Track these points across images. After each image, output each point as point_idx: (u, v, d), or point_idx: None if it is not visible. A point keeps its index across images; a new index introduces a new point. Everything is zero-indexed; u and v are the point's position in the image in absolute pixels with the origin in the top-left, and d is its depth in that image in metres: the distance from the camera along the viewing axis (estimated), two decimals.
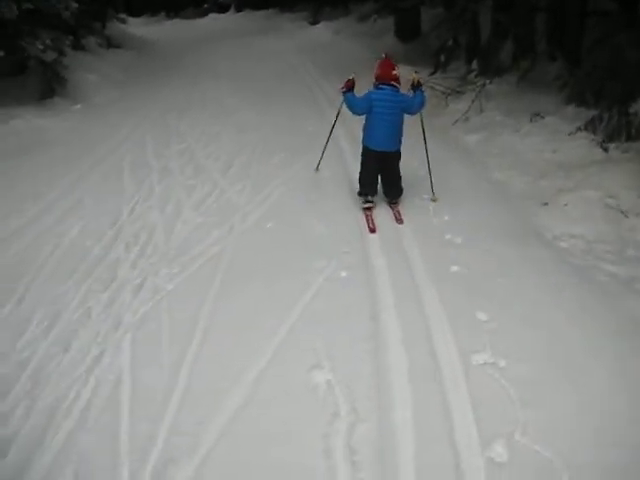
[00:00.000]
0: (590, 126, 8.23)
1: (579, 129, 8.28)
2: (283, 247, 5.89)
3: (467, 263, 5.33)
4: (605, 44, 10.73)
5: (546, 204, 6.78)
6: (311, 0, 25.85)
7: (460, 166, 8.06)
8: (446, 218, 6.37)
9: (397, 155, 6.58)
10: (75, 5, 13.48)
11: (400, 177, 6.68)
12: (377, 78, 6.43)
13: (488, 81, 10.67)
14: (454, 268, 5.27)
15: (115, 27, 22.85)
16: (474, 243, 5.74)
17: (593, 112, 8.66)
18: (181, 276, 5.38)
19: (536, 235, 6.11)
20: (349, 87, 6.50)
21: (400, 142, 6.56)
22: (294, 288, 5.04)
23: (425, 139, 7.01)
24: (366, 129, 6.57)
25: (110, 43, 19.06)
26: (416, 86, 6.61)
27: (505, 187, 7.35)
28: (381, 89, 6.36)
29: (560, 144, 8.13)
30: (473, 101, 10.15)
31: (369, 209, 6.56)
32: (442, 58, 12.70)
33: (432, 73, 12.76)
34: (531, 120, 8.95)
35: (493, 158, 8.26)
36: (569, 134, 8.28)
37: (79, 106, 12.94)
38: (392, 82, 6.35)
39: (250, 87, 13.88)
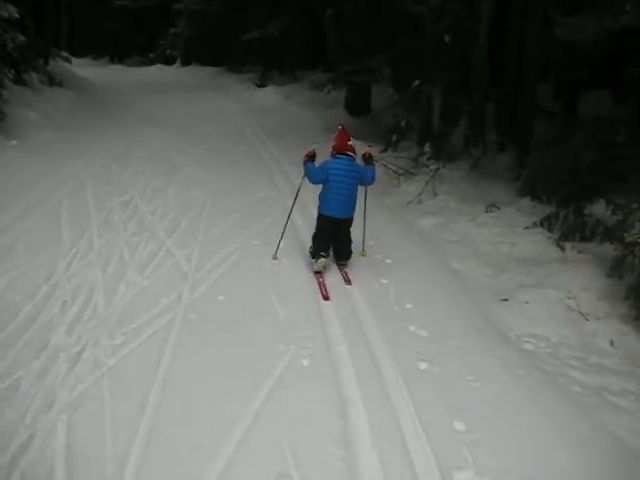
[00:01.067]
0: (546, 222, 8.17)
1: (535, 224, 8.21)
2: (238, 325, 5.41)
3: (436, 361, 4.97)
4: (557, 141, 10.96)
5: (506, 300, 6.56)
6: (259, 63, 25.85)
7: (417, 250, 7.82)
8: (408, 306, 6.04)
9: (350, 221, 6.85)
10: (22, 38, 12.84)
11: (351, 241, 6.92)
12: (334, 148, 6.75)
13: (441, 165, 10.60)
14: (423, 365, 4.90)
15: (58, 65, 22.14)
16: (439, 338, 5.40)
17: (547, 207, 8.66)
18: (125, 349, 4.81)
19: (499, 333, 5.85)
20: (309, 157, 6.79)
21: (354, 209, 6.80)
22: (254, 376, 4.55)
23: (365, 205, 7.18)
24: (322, 196, 6.77)
25: (53, 81, 18.31)
26: (368, 159, 7.00)
27: (465, 278, 7.11)
28: (338, 158, 6.66)
29: (517, 238, 8.01)
30: (427, 183, 10.03)
31: (320, 273, 6.64)
32: (394, 137, 12.65)
33: (383, 150, 12.67)
34: (487, 210, 8.85)
35: (451, 245, 8.06)
36: (525, 228, 8.19)
37: (15, 142, 12.16)
38: (348, 152, 6.66)
39: (196, 145, 13.41)
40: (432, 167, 10.76)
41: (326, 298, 6.10)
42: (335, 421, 4.08)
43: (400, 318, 5.77)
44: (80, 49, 39.84)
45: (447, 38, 10.88)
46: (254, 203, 9.18)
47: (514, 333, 5.93)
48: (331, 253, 6.87)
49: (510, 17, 11.27)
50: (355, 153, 6.76)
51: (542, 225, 8.17)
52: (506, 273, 7.20)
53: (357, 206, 6.89)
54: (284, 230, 7.20)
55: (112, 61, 37.30)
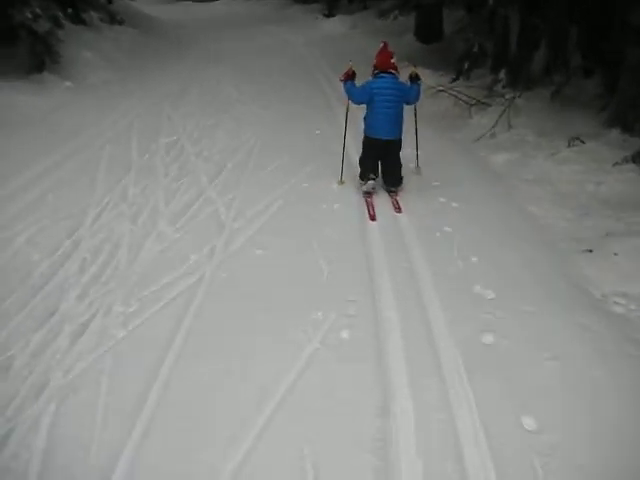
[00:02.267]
0: (639, 158, 7.01)
1: (626, 160, 7.05)
2: (273, 286, 4.65)
3: (503, 332, 4.07)
4: None
5: (591, 251, 5.53)
6: None
7: (487, 191, 6.82)
8: (474, 260, 5.12)
9: (398, 143, 6.45)
10: None
11: (401, 166, 6.56)
12: (376, 67, 6.41)
13: (517, 94, 9.41)
14: (487, 338, 4.01)
15: (122, 2, 21.51)
16: (509, 302, 4.48)
17: None
18: (138, 318, 4.13)
19: (582, 292, 4.86)
20: (349, 76, 6.48)
21: (401, 130, 6.43)
22: (279, 356, 3.79)
23: (416, 126, 7.05)
24: (367, 118, 6.48)
25: (114, 19, 17.66)
26: (414, 78, 6.61)
27: (541, 224, 6.09)
28: (381, 77, 6.32)
29: (604, 176, 6.89)
30: (501, 115, 8.88)
31: (369, 194, 6.44)
32: (466, 65, 11.45)
33: (454, 80, 11.52)
34: (569, 144, 7.68)
35: (526, 185, 7.00)
36: (614, 164, 7.05)
37: (70, 84, 11.64)
38: (391, 70, 6.33)
39: (255, 80, 12.60)
40: (507, 96, 9.59)
41: (373, 218, 5.95)
42: (373, 419, 3.30)
43: (463, 275, 4.87)
44: None
45: None
46: (309, 141, 8.33)
47: (600, 292, 4.92)
48: (381, 181, 6.63)
49: None
50: (398, 72, 6.43)
51: (634, 161, 7.02)
52: (590, 218, 6.15)
53: (406, 127, 6.52)
54: (343, 156, 6.92)
55: None
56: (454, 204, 6.30)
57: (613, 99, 8.83)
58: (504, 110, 8.97)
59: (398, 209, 6.17)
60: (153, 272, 4.77)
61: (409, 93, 6.44)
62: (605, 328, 4.26)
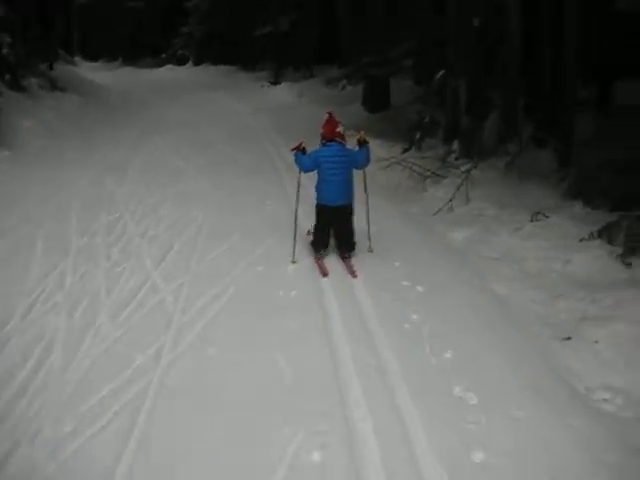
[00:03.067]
0: (605, 233, 6.77)
1: (592, 236, 6.79)
2: (229, 395, 4.08)
3: (494, 446, 3.59)
4: (599, 134, 9.55)
5: (569, 338, 5.17)
6: (272, 60, 24.57)
7: (452, 272, 6.43)
8: (448, 355, 4.67)
9: (349, 209, 6.53)
10: (8, 40, 11.63)
11: (353, 231, 6.59)
12: (323, 136, 6.54)
13: (472, 165, 9.20)
14: (477, 455, 3.51)
15: (64, 68, 21.04)
16: (494, 406, 4.01)
17: (603, 213, 7.29)
18: (71, 445, 3.49)
19: (567, 387, 4.45)
20: (299, 148, 6.60)
21: (351, 196, 6.55)
22: None
23: (366, 190, 6.88)
24: (317, 186, 6.57)
25: (55, 85, 17.12)
26: (362, 143, 6.65)
27: (513, 308, 5.69)
28: (328, 146, 6.46)
29: (572, 253, 6.59)
30: (458, 187, 8.61)
31: (321, 258, 6.50)
32: (417, 135, 11.29)
33: (406, 150, 11.34)
34: (532, 219, 7.40)
35: (492, 264, 6.64)
36: (580, 240, 6.78)
37: (7, 153, 11.06)
38: (337, 139, 6.44)
39: (202, 151, 12.11)
40: (462, 168, 9.37)
41: (325, 275, 6.10)
42: None
43: (439, 374, 4.40)
44: (93, 52, 38.96)
45: (476, 21, 9.45)
46: (260, 217, 7.88)
47: (584, 385, 4.53)
48: (333, 244, 6.65)
49: None
50: (345, 140, 6.55)
51: (600, 236, 6.76)
52: (563, 300, 5.80)
53: (359, 197, 6.68)
54: (295, 231, 6.64)
55: (124, 63, 36.13)
56: (419, 288, 5.88)
57: (570, 171, 8.70)
58: (461, 182, 8.71)
59: (353, 274, 6.16)
60: (91, 380, 4.16)
61: (357, 157, 6.56)
62: (598, 433, 3.84)
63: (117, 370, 4.28)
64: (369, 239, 6.83)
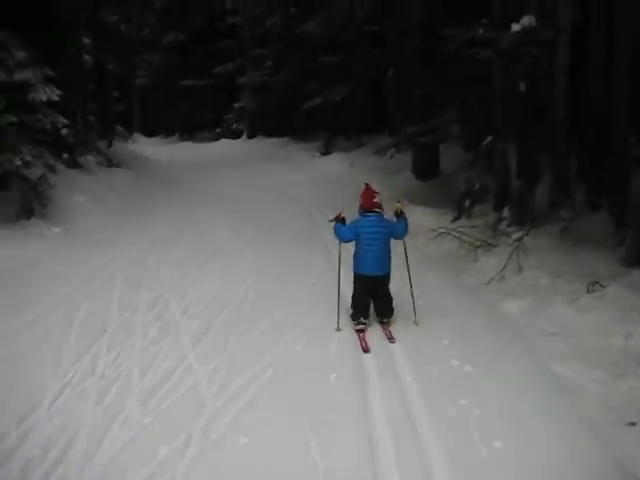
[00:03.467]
0: None
1: None
2: None
3: None
4: None
5: (634, 424, 4.69)
6: (323, 130, 24.75)
7: (504, 349, 6.02)
8: (498, 445, 4.24)
9: (386, 278, 6.60)
10: (64, 121, 11.91)
11: (391, 298, 6.61)
12: (361, 207, 6.65)
13: (524, 233, 8.80)
14: None
15: (121, 146, 21.62)
16: None
17: None
18: None
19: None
20: (338, 218, 6.77)
21: (389, 266, 6.57)
22: None
23: (407, 261, 6.88)
24: (356, 256, 6.63)
25: (111, 162, 17.53)
26: (400, 215, 6.75)
27: (571, 388, 5.24)
28: (366, 217, 6.56)
29: (633, 326, 6.11)
30: (510, 257, 8.21)
31: (362, 330, 6.39)
32: (467, 203, 10.96)
33: (456, 218, 11.01)
34: (588, 290, 6.93)
35: (547, 339, 6.20)
36: None
37: (58, 230, 11.12)
38: (376, 209, 6.53)
39: (249, 225, 11.94)
40: (514, 236, 8.98)
41: (366, 350, 5.95)
42: None
43: (488, 467, 3.99)
44: (152, 129, 40.17)
45: (523, 86, 9.21)
46: (304, 292, 7.63)
47: None
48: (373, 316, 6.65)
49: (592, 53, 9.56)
50: (382, 209, 6.62)
51: None
52: (625, 379, 5.32)
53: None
54: (338, 300, 6.66)
55: (182, 138, 37.08)
56: (468, 368, 5.50)
57: (627, 236, 8.23)
58: (513, 251, 8.31)
59: (392, 339, 6.18)
60: (112, 475, 3.88)
61: (395, 229, 6.64)
62: None
63: (139, 464, 4.00)
64: (414, 312, 6.65)
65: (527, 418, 4.65)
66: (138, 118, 40.20)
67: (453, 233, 9.59)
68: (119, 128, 26.77)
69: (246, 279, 8.15)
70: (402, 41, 14.91)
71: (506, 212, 9.92)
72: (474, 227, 9.84)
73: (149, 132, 39.69)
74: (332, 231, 6.93)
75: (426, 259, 9.41)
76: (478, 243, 9.26)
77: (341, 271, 6.79)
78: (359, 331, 6.34)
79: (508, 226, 9.74)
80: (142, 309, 7.02)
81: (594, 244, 8.53)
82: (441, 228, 9.81)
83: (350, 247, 6.77)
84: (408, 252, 6.89)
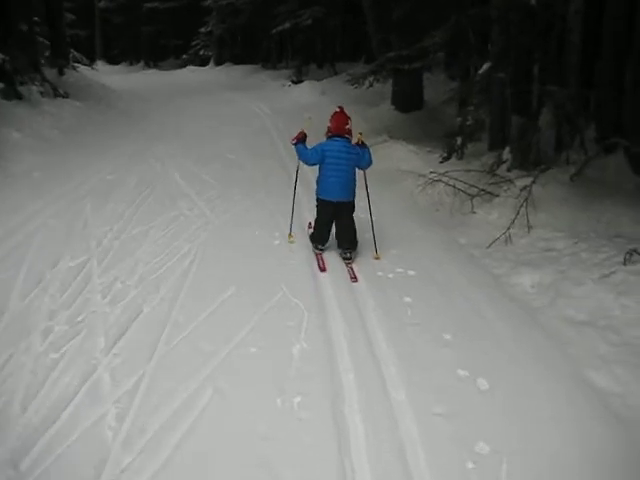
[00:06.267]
0: None
1: None
2: None
3: None
4: None
5: None
6: (295, 57, 22.62)
7: (524, 347, 4.44)
8: None
9: (351, 205, 6.22)
10: None
11: (355, 230, 6.21)
12: (330, 130, 6.19)
13: (532, 180, 7.14)
14: None
15: (74, 74, 19.31)
16: None
17: None
18: None
19: None
20: (299, 139, 6.24)
21: (354, 193, 6.19)
22: None
23: (368, 194, 6.36)
24: (319, 180, 6.24)
25: (57, 92, 15.36)
26: (361, 146, 6.21)
27: (614, 407, 3.71)
28: (334, 140, 6.09)
29: None
30: (519, 211, 6.58)
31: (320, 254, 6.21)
32: (458, 141, 9.21)
33: (445, 159, 9.31)
34: (625, 261, 5.32)
35: (577, 332, 4.61)
36: None
37: None
38: (345, 135, 6.09)
39: (204, 167, 10.05)
40: (518, 183, 7.33)
41: (323, 270, 5.80)
42: None
43: None
44: (117, 56, 37.44)
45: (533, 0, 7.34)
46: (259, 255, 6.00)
47: None
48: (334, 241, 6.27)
49: None
50: (352, 136, 6.16)
51: None
52: None
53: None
54: (292, 216, 6.63)
55: (147, 66, 34.46)
56: (481, 382, 3.91)
57: None
58: (522, 203, 6.67)
59: (354, 278, 5.61)
60: None
61: (363, 156, 6.14)
62: None
63: None
64: (375, 244, 6.18)
65: (563, 455, 3.10)
66: (101, 44, 37.32)
67: (444, 179, 7.88)
68: (77, 54, 24.37)
69: (192, 241, 6.45)
70: None
71: (506, 153, 8.22)
72: (469, 171, 8.14)
73: (113, 60, 36.95)
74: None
75: (412, 210, 7.78)
76: (475, 192, 7.59)
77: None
78: (317, 254, 6.16)
79: (508, 170, 8.08)
80: (53, 287, 5.31)
81: (613, 194, 6.95)
82: (431, 173, 8.07)
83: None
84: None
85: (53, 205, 7.73)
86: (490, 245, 6.38)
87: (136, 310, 4.88)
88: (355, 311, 4.92)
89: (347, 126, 6.11)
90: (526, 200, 6.66)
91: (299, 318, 4.78)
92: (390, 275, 5.65)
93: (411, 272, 5.66)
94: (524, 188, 7.02)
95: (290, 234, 6.57)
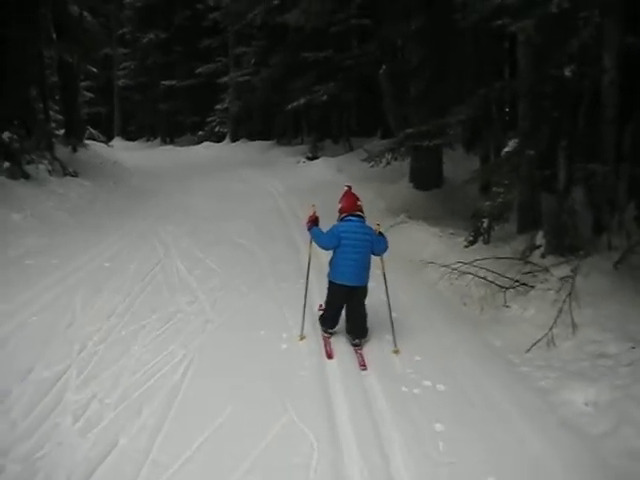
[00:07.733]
0: None
1: None
2: None
3: None
4: None
5: None
6: (310, 132, 22.21)
7: None
8: None
9: (364, 290, 5.80)
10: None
11: (365, 315, 5.80)
12: (342, 210, 5.90)
13: (572, 269, 6.27)
14: None
15: (87, 152, 18.99)
16: None
17: None
18: None
19: None
20: (313, 222, 5.97)
21: (367, 277, 5.78)
22: None
23: (385, 281, 5.95)
24: (334, 264, 5.81)
25: (66, 171, 14.86)
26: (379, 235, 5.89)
27: None
28: (348, 220, 5.76)
29: None
30: (561, 309, 5.68)
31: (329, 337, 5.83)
32: (483, 223, 8.39)
33: (470, 243, 8.44)
34: None
35: None
36: None
37: None
38: (358, 213, 5.80)
39: (217, 254, 9.15)
40: (556, 272, 6.46)
41: (330, 357, 5.46)
42: None
43: None
44: (134, 133, 37.59)
45: (568, 71, 6.63)
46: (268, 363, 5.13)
47: None
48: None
49: None
50: (364, 215, 5.87)
51: None
52: None
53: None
54: (304, 306, 6.05)
55: (164, 142, 34.40)
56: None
57: None
58: (565, 298, 5.78)
59: (363, 366, 5.31)
60: None
61: (379, 239, 5.83)
62: None
63: None
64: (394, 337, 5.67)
65: None
66: (119, 121, 37.51)
67: (473, 270, 7.01)
68: (94, 132, 24.24)
69: (187, 346, 5.60)
70: (402, 21, 12.13)
71: (540, 237, 7.37)
72: (499, 259, 7.28)
73: (131, 136, 37.07)
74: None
75: (436, 304, 6.93)
76: (507, 283, 6.71)
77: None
78: (326, 338, 5.84)
79: (543, 256, 7.22)
80: (26, 402, 4.46)
81: None
82: (457, 263, 7.19)
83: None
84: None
85: (40, 298, 6.93)
86: (530, 349, 5.46)
87: (110, 442, 4.00)
88: (375, 442, 4.01)
89: (359, 202, 5.88)
90: (570, 295, 5.76)
91: (308, 452, 3.89)
92: (416, 390, 4.75)
93: (440, 387, 4.78)
94: (563, 278, 6.14)
95: (301, 335, 5.90)
